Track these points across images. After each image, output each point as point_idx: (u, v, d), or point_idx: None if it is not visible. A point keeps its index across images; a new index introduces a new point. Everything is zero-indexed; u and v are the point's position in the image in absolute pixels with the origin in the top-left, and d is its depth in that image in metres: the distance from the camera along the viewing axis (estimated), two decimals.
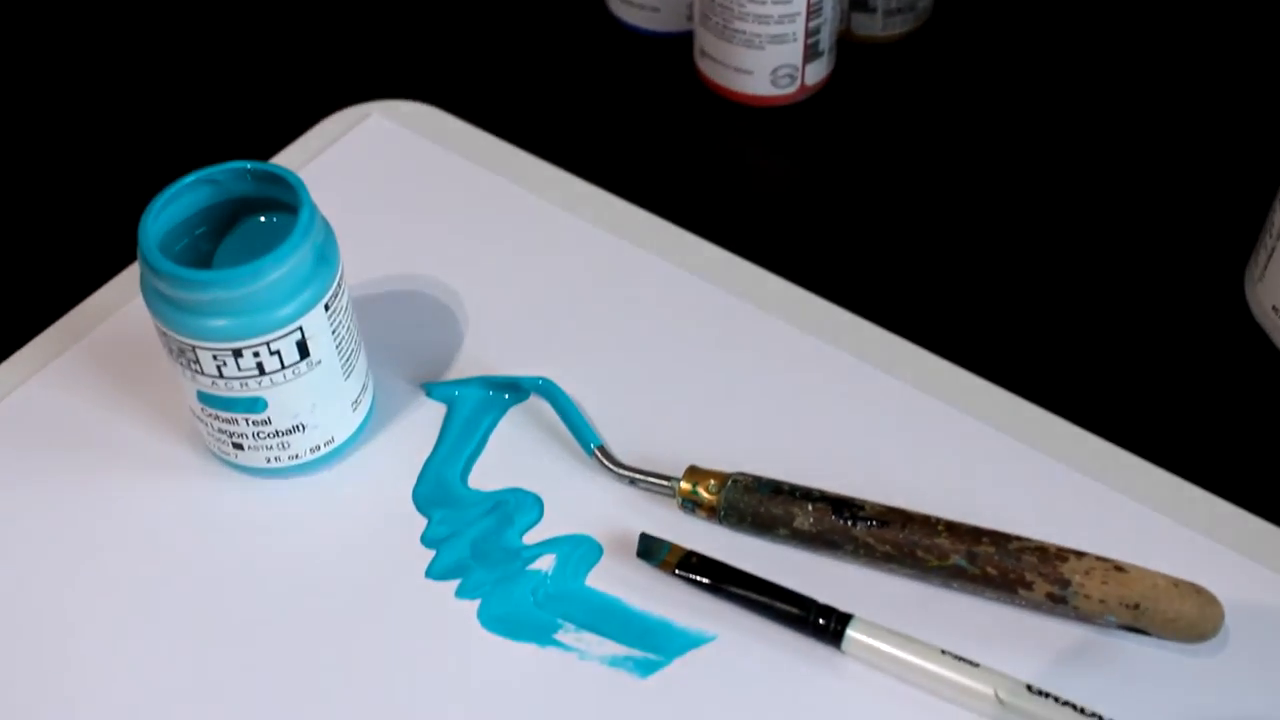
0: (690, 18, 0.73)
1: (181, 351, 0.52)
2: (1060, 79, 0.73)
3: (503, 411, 0.58)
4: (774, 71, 0.70)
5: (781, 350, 0.60)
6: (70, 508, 0.56)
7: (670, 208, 0.65)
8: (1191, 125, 0.71)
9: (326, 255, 0.52)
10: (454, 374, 0.59)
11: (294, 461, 0.55)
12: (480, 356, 0.60)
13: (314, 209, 0.52)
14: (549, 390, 0.58)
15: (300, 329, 0.51)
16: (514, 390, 0.59)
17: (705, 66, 0.72)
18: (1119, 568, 0.50)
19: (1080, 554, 0.51)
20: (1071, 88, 0.73)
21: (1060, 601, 0.50)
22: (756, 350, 0.60)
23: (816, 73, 0.71)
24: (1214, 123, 0.71)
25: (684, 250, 0.64)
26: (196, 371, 0.52)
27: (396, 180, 0.67)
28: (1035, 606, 0.51)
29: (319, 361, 0.53)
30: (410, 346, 0.60)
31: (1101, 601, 0.50)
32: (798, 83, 0.71)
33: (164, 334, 0.52)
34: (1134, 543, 0.52)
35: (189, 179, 0.53)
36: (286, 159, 0.68)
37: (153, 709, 0.51)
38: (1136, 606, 0.50)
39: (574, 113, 0.72)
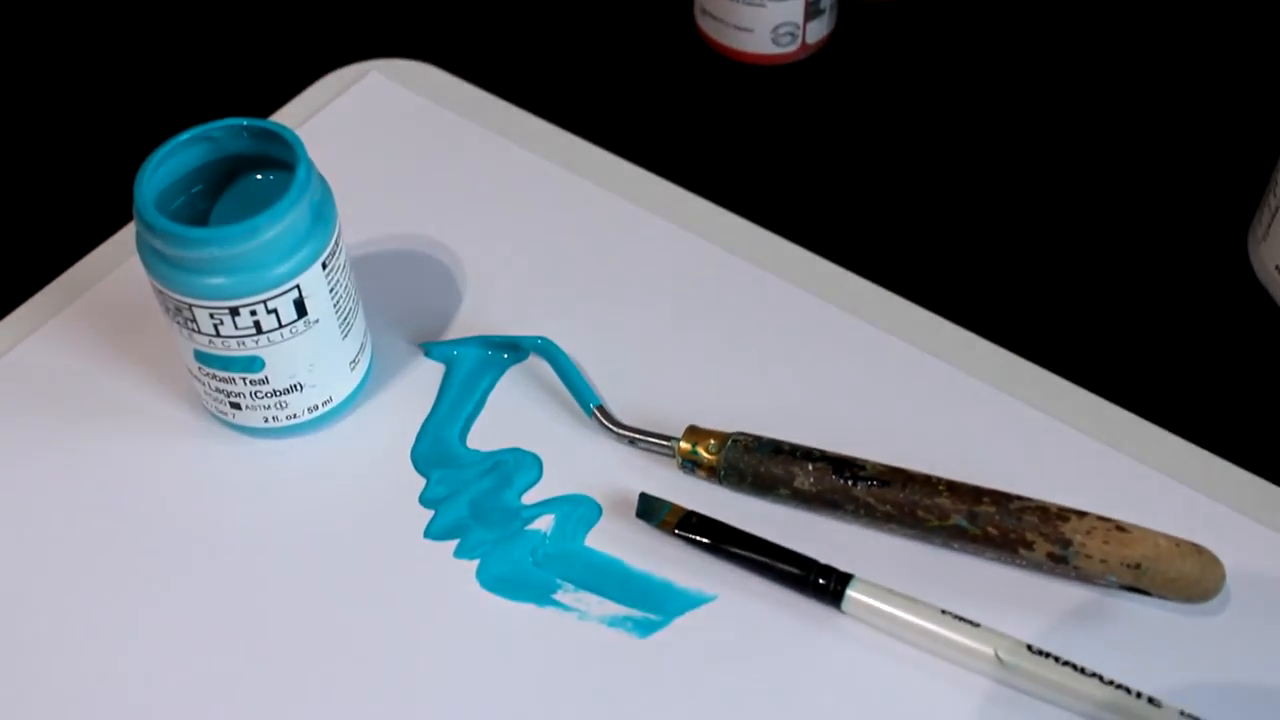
0: None
1: (178, 310, 0.51)
2: (1064, 39, 0.72)
3: (502, 371, 0.58)
4: (775, 29, 0.69)
5: (781, 310, 0.59)
6: (66, 467, 0.56)
7: (670, 167, 0.65)
8: (1196, 87, 0.70)
9: (324, 213, 0.52)
10: (452, 334, 0.59)
11: (291, 421, 0.55)
12: (479, 316, 0.60)
13: (311, 166, 0.51)
14: (548, 350, 0.58)
15: (298, 287, 0.51)
16: (513, 350, 0.58)
17: (706, 24, 0.71)
18: (1120, 528, 0.50)
19: (1081, 514, 0.51)
20: (1075, 49, 0.72)
21: (1061, 561, 0.50)
22: (756, 310, 0.59)
23: (817, 31, 0.70)
24: (1217, 84, 0.70)
25: (684, 209, 0.63)
26: (193, 330, 0.52)
27: (395, 139, 0.67)
28: (1036, 567, 0.51)
29: (316, 320, 0.52)
30: (408, 306, 0.60)
31: (1103, 561, 0.50)
32: (799, 41, 0.70)
33: (160, 293, 0.52)
34: (1135, 503, 0.52)
35: (185, 136, 0.52)
36: (284, 117, 0.67)
37: (149, 667, 0.51)
38: (1138, 566, 0.49)
39: (574, 71, 0.72)
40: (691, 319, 0.59)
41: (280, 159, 0.53)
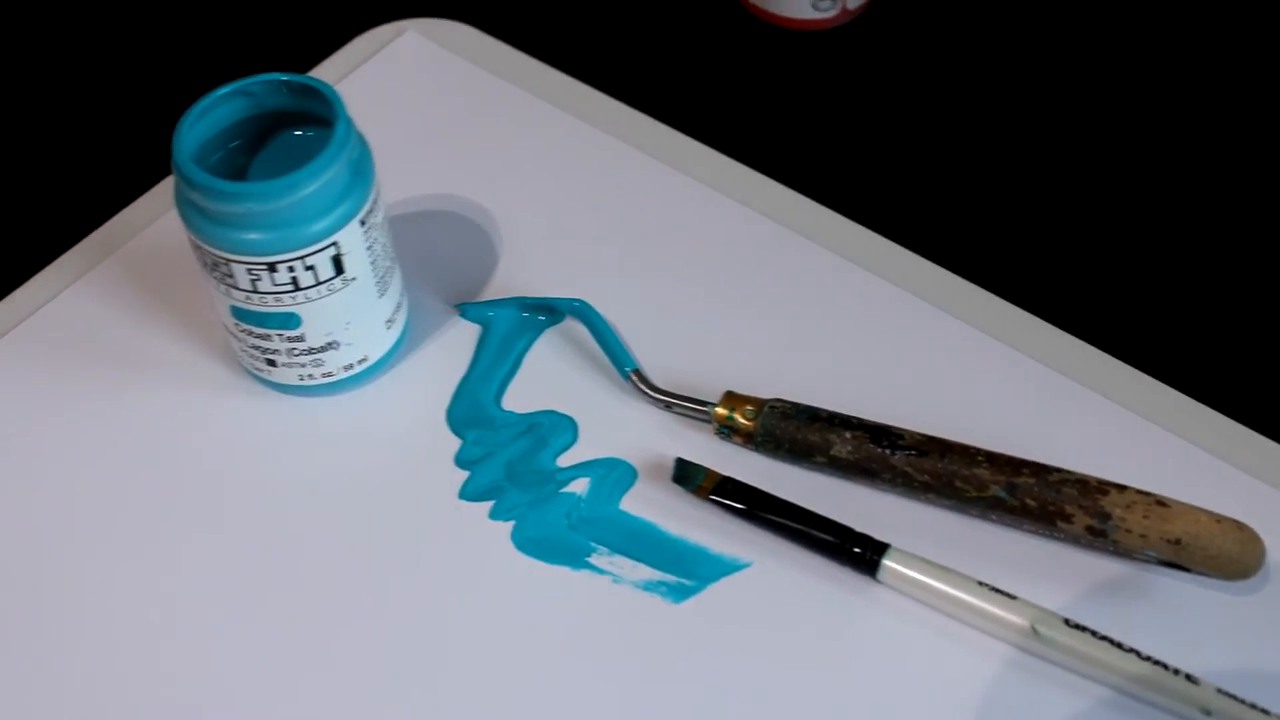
0: None
1: (215, 265, 0.51)
2: (1111, 3, 0.71)
3: (538, 333, 0.58)
4: None
5: (819, 276, 0.59)
6: (101, 421, 0.56)
7: (709, 131, 0.64)
8: (1244, 46, 0.69)
9: (362, 170, 0.52)
10: (489, 295, 0.59)
11: (327, 379, 0.55)
12: (515, 278, 0.59)
13: (350, 122, 0.51)
14: (585, 312, 0.57)
15: (335, 244, 0.51)
16: (549, 312, 0.58)
17: None
18: (1161, 502, 0.50)
19: (1121, 487, 0.50)
20: (1125, 12, 0.71)
21: (1100, 535, 0.50)
22: (794, 276, 0.59)
23: None
24: (1262, 45, 0.69)
25: (722, 174, 0.63)
26: (231, 286, 0.51)
27: (431, 99, 0.66)
28: (1074, 540, 0.51)
29: (354, 278, 0.52)
30: (445, 266, 0.60)
31: (1142, 536, 0.49)
32: (839, 5, 0.69)
33: (198, 248, 0.51)
34: (1176, 478, 0.52)
35: (224, 90, 0.52)
36: (319, 75, 0.67)
37: (180, 623, 0.51)
38: (1178, 542, 0.49)
39: (611, 33, 0.71)
40: (729, 284, 0.59)
41: (319, 115, 0.53)
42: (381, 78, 0.67)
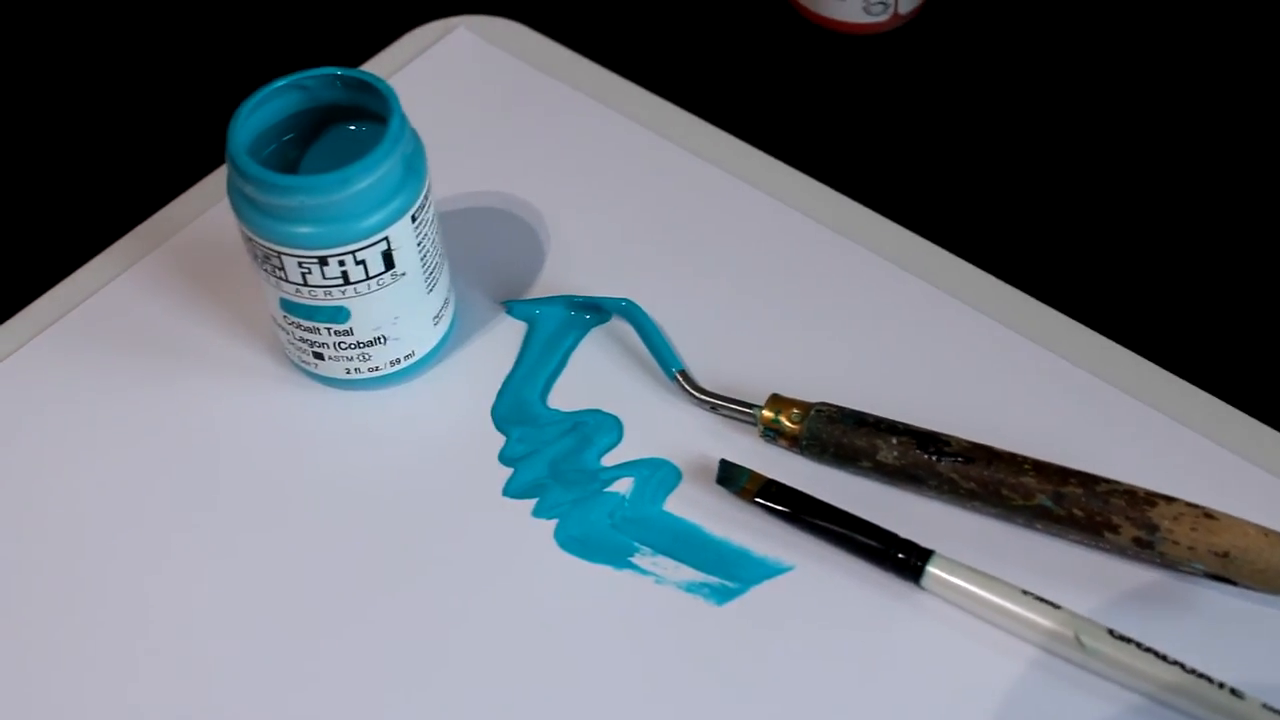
0: None
1: (266, 258, 0.51)
2: (1163, 10, 0.71)
3: (584, 332, 0.58)
4: None
5: (867, 281, 0.59)
6: (146, 410, 0.56)
7: (759, 134, 0.64)
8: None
9: (415, 166, 0.52)
10: (536, 293, 0.59)
11: (373, 374, 0.55)
12: (563, 276, 0.59)
13: (404, 118, 0.51)
14: (632, 312, 0.57)
15: (386, 239, 0.51)
16: (596, 311, 0.58)
17: None
18: (1209, 515, 0.49)
19: (1170, 499, 0.50)
20: (1178, 19, 0.71)
21: (1147, 547, 0.50)
22: (842, 280, 0.59)
23: (911, 1, 0.69)
24: None
25: (772, 177, 0.63)
26: (281, 279, 0.52)
27: (481, 96, 0.66)
28: (1120, 551, 0.50)
29: (403, 273, 0.52)
30: (492, 263, 0.60)
31: (1190, 549, 0.49)
32: (891, 10, 0.69)
33: (250, 240, 0.52)
34: (1225, 491, 0.51)
35: (279, 83, 0.52)
36: (369, 70, 0.67)
37: (223, 614, 0.51)
38: (1225, 555, 0.49)
39: (662, 35, 0.71)
40: (776, 287, 0.59)
41: (372, 110, 0.53)
42: (431, 74, 0.67)
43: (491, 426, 0.55)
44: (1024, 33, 0.71)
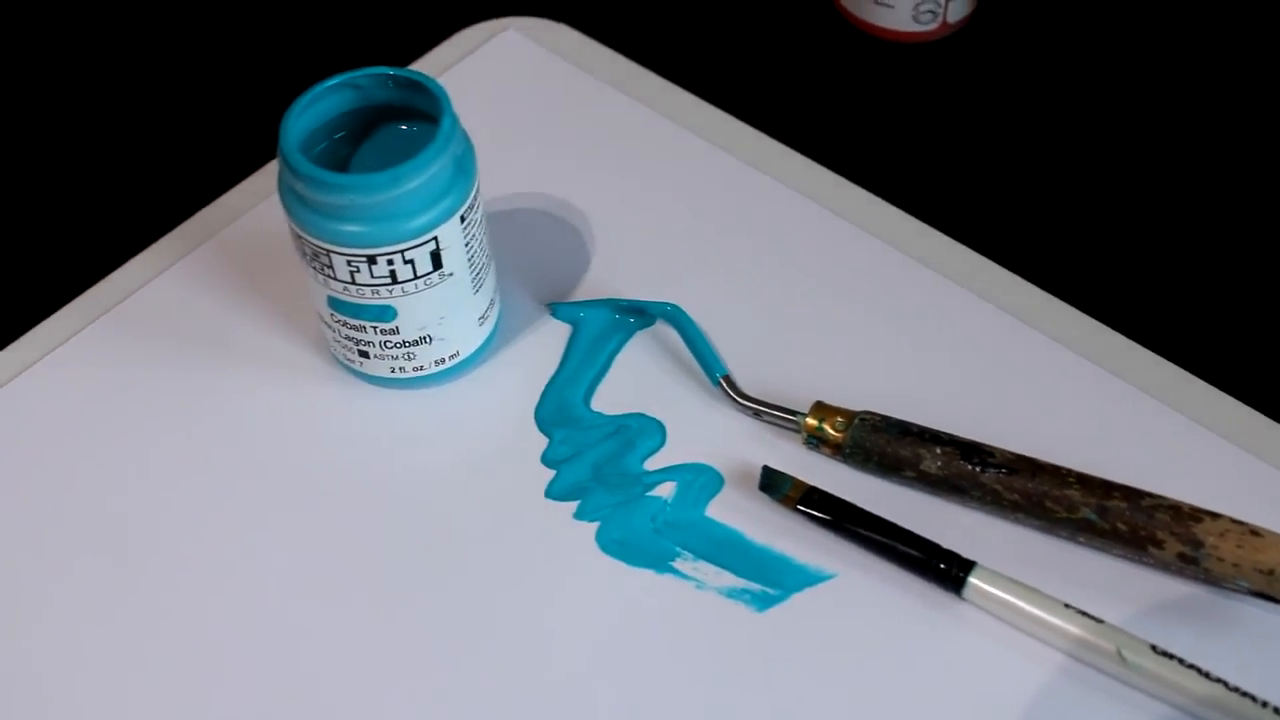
0: None
1: (315, 256, 0.52)
2: (1211, 23, 0.71)
3: (628, 335, 0.58)
4: (916, 7, 0.68)
5: (913, 291, 0.59)
6: (191, 405, 0.56)
7: (806, 142, 0.64)
8: None
9: (465, 166, 0.52)
10: (580, 295, 0.59)
11: (418, 373, 0.55)
12: (607, 279, 0.59)
13: (455, 118, 0.51)
14: (676, 317, 0.57)
15: (435, 239, 0.51)
16: (640, 315, 0.58)
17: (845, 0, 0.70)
18: (1255, 532, 0.49)
19: (1215, 515, 0.50)
20: (1224, 31, 0.70)
21: (1191, 563, 0.49)
22: (888, 289, 0.59)
23: (960, 10, 0.69)
24: None
25: (820, 186, 0.63)
26: (329, 277, 0.52)
27: (529, 97, 0.66)
28: (1164, 566, 0.50)
29: (451, 274, 0.53)
30: (537, 265, 0.60)
31: (1235, 565, 0.49)
32: (940, 19, 0.69)
33: (299, 238, 0.52)
34: (1271, 508, 0.51)
35: (332, 81, 0.52)
36: (419, 69, 0.67)
37: (264, 611, 0.51)
38: (1271, 573, 0.48)
39: (711, 41, 0.71)
40: (822, 295, 0.59)
41: (423, 110, 0.53)
42: (479, 75, 0.67)
43: (535, 428, 0.55)
44: (1073, 42, 0.70)
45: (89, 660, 0.50)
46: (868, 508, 0.52)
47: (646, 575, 0.51)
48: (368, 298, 0.52)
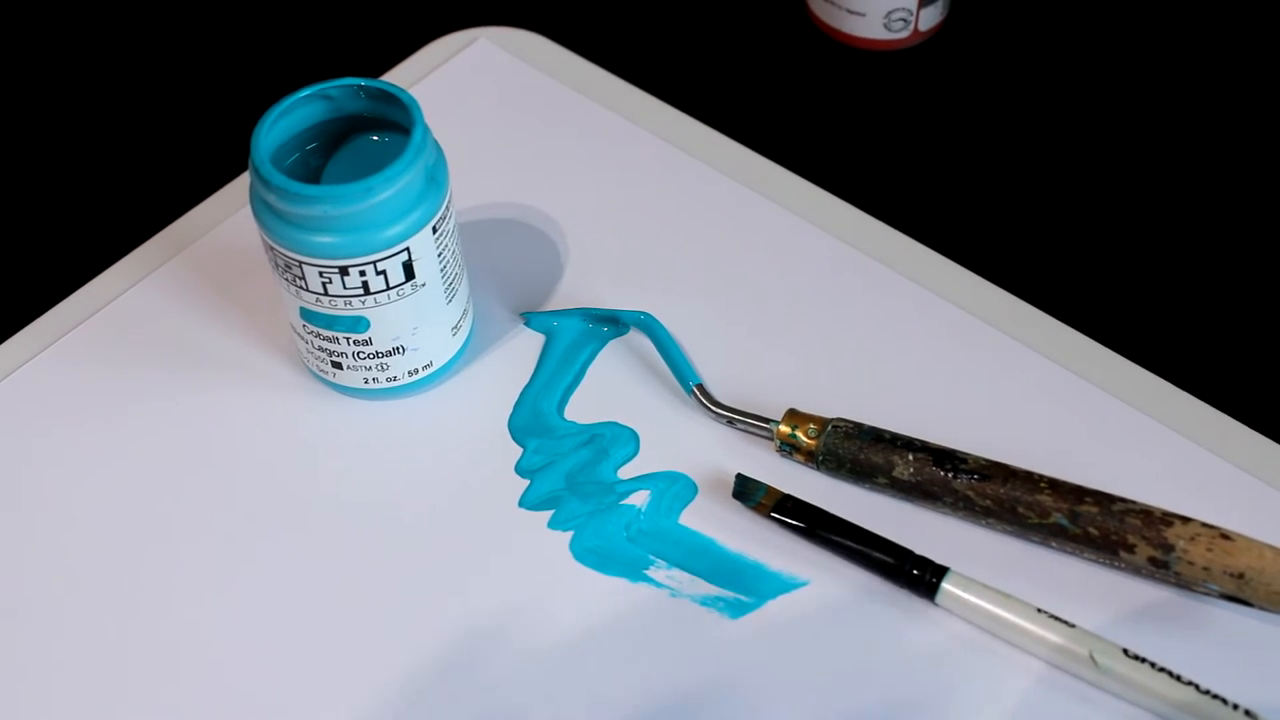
0: None
1: (288, 267, 0.52)
2: (1185, 27, 0.71)
3: (602, 344, 0.58)
4: (887, 15, 0.69)
5: (885, 297, 0.59)
6: (164, 417, 0.56)
7: (778, 149, 0.65)
8: None
9: (437, 177, 0.52)
10: (554, 305, 0.59)
11: (391, 384, 0.55)
12: (581, 288, 0.59)
13: (427, 129, 0.51)
14: (650, 325, 0.57)
15: (407, 250, 0.51)
16: (614, 324, 0.58)
17: (817, 7, 0.71)
18: (1225, 536, 0.49)
19: (1185, 519, 0.50)
20: (1198, 36, 0.71)
21: (1162, 567, 0.50)
22: (860, 296, 0.59)
23: (931, 18, 0.70)
24: None
25: (791, 192, 0.63)
26: (301, 288, 0.52)
27: (501, 107, 0.67)
28: (1135, 570, 0.50)
29: (423, 284, 0.53)
30: (510, 275, 0.60)
31: (1205, 569, 0.49)
32: (911, 27, 0.69)
33: (271, 249, 0.52)
34: (1241, 513, 0.51)
35: (303, 93, 0.52)
36: (390, 80, 0.68)
37: (240, 621, 0.51)
38: (1241, 576, 0.49)
39: (684, 50, 0.71)
40: (794, 303, 0.59)
41: (395, 121, 0.53)
42: (452, 85, 0.67)
43: (508, 437, 0.55)
44: (1045, 50, 0.71)
45: (66, 675, 0.50)
46: (841, 514, 0.52)
47: (620, 584, 0.51)
48: (340, 309, 0.52)
